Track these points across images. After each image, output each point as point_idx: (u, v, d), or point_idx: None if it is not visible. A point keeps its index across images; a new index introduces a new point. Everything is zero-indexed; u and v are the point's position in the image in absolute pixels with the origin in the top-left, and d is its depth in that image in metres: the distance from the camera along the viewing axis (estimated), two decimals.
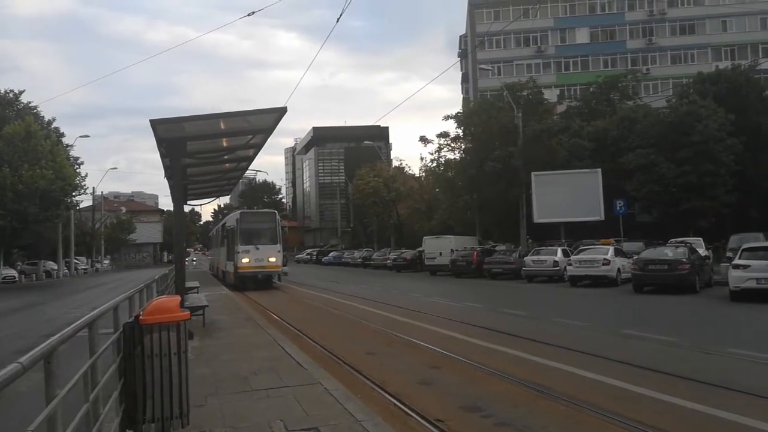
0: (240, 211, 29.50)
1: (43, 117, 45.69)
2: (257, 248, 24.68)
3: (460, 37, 74.04)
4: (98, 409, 3.85)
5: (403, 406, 6.17)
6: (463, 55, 67.99)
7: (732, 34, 59.36)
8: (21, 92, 45.75)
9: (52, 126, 46.63)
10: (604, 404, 5.98)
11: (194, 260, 77.39)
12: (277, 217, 27.56)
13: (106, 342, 4.44)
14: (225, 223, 30.88)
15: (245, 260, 24.57)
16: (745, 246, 16.78)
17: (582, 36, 63.10)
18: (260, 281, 25.23)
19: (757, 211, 35.05)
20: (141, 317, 4.60)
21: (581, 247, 25.43)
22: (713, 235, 31.04)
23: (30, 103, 46.11)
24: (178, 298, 5.34)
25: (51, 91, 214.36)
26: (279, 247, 25.70)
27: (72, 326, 3.39)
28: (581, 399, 6.20)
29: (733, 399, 6.18)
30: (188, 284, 14.58)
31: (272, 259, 24.97)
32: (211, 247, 48.64)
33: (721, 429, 5.35)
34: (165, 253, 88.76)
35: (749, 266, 15.14)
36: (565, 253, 25.60)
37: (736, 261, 15.76)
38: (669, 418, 5.57)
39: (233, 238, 25.72)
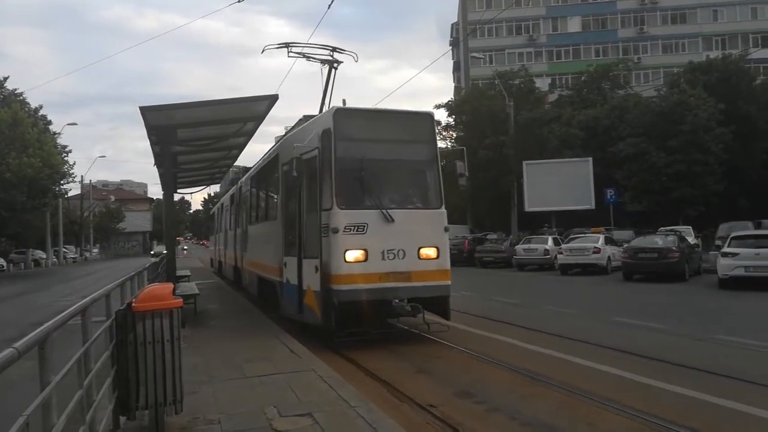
0: (336, 109, 9.27)
1: (29, 104, 45.14)
2: (387, 218, 8.68)
3: (452, 25, 73.70)
4: (92, 395, 3.84)
5: (396, 393, 6.19)
6: (454, 43, 67.76)
7: (723, 24, 59.52)
8: (5, 78, 45.08)
9: (39, 113, 46.07)
10: (596, 390, 6.03)
11: (185, 249, 76.95)
12: (435, 132, 10.86)
13: (98, 329, 4.42)
14: (278, 154, 11.13)
15: (353, 255, 8.52)
16: (733, 234, 16.94)
17: (574, 25, 63.01)
18: (389, 312, 8.96)
19: (746, 199, 35.38)
20: (134, 304, 4.58)
21: (572, 236, 25.57)
22: (702, 223, 31.33)
23: (16, 89, 45.50)
24: (171, 285, 5.32)
25: (36, 79, 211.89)
26: (442, 216, 9.31)
27: (65, 313, 3.37)
28: (573, 385, 6.24)
29: (722, 384, 6.26)
30: (180, 272, 14.52)
31: (428, 252, 9.02)
32: (218, 228, 25.12)
33: (710, 413, 5.42)
34: (155, 242, 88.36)
35: (738, 254, 15.32)
36: (556, 242, 25.74)
37: (725, 249, 15.92)
38: (659, 403, 5.63)
39: (309, 190, 9.22)
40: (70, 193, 52.47)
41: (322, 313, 8.36)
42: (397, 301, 8.57)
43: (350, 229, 8.40)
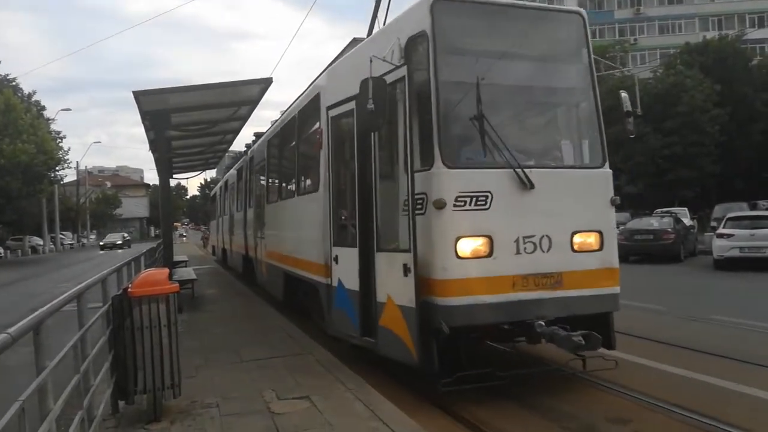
0: None
1: (22, 90, 44.68)
2: (524, 182, 5.31)
3: None
4: (89, 380, 3.86)
5: (392, 375, 6.23)
6: None
7: (719, 4, 59.14)
8: None
9: (33, 99, 45.67)
10: (591, 370, 6.07)
11: (184, 236, 76.87)
12: (590, 43, 6.14)
13: (95, 315, 4.43)
14: (319, 93, 7.49)
15: (470, 246, 5.17)
16: (729, 215, 17.03)
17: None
18: (530, 338, 5.47)
19: (742, 181, 35.50)
20: (130, 290, 4.59)
21: None
22: (698, 205, 31.43)
23: (8, 75, 45.00)
24: (167, 270, 5.32)
25: (29, 64, 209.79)
26: (606, 180, 5.83)
27: (60, 298, 3.37)
28: (568, 365, 6.28)
29: (716, 364, 6.33)
30: (177, 258, 14.53)
31: (587, 240, 5.65)
32: (221, 211, 21.97)
33: (705, 393, 5.47)
34: (152, 228, 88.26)
35: (733, 235, 15.41)
36: None
37: (720, 230, 16.01)
38: (654, 383, 5.68)
39: (388, 139, 5.65)
40: (66, 180, 52.33)
41: (419, 345, 4.94)
42: (542, 323, 5.18)
43: (464, 202, 5.12)
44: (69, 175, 55.49)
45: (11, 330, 2.37)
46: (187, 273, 12.94)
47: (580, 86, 6.15)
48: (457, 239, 5.08)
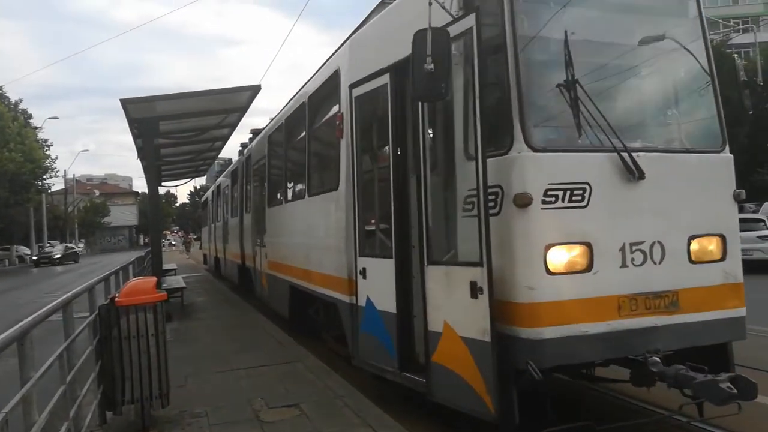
0: None
1: (8, 98, 44.41)
2: (632, 171, 4.05)
3: None
4: (75, 391, 3.84)
5: (380, 382, 6.23)
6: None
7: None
8: None
9: (20, 107, 45.39)
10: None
11: (173, 243, 76.46)
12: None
13: (81, 325, 4.41)
14: (338, 68, 6.30)
15: (564, 258, 3.88)
16: None
17: None
18: (638, 379, 4.19)
19: None
20: (117, 299, 4.56)
21: None
22: None
23: None
24: (154, 279, 5.29)
25: (16, 72, 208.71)
26: (727, 167, 4.62)
27: (46, 308, 3.36)
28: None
29: None
30: (166, 266, 14.46)
31: (708, 246, 4.37)
32: (213, 218, 21.41)
33: None
34: (141, 236, 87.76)
35: None
36: None
37: None
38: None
39: (447, 112, 4.27)
40: (54, 188, 51.97)
41: (496, 393, 3.70)
42: (657, 358, 4.01)
43: (555, 198, 3.91)
44: (57, 184, 55.11)
45: None
46: (176, 281, 12.89)
47: (690, 47, 4.90)
48: (548, 248, 3.84)
